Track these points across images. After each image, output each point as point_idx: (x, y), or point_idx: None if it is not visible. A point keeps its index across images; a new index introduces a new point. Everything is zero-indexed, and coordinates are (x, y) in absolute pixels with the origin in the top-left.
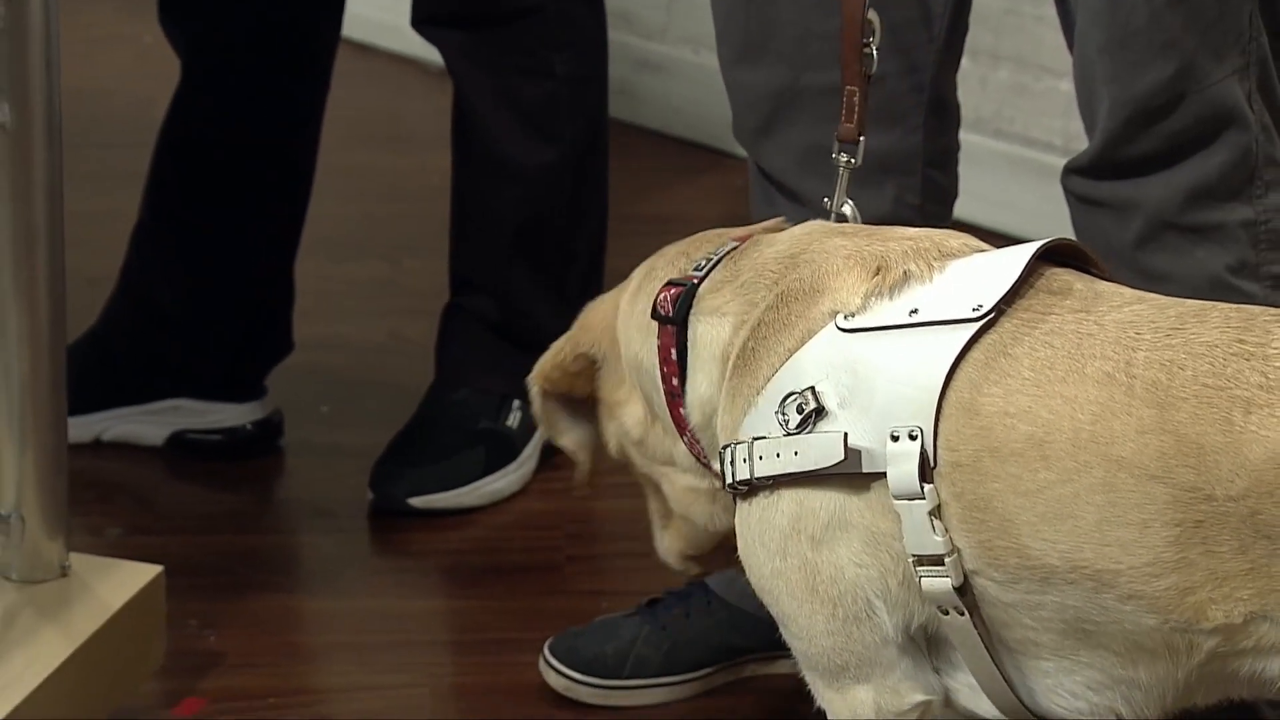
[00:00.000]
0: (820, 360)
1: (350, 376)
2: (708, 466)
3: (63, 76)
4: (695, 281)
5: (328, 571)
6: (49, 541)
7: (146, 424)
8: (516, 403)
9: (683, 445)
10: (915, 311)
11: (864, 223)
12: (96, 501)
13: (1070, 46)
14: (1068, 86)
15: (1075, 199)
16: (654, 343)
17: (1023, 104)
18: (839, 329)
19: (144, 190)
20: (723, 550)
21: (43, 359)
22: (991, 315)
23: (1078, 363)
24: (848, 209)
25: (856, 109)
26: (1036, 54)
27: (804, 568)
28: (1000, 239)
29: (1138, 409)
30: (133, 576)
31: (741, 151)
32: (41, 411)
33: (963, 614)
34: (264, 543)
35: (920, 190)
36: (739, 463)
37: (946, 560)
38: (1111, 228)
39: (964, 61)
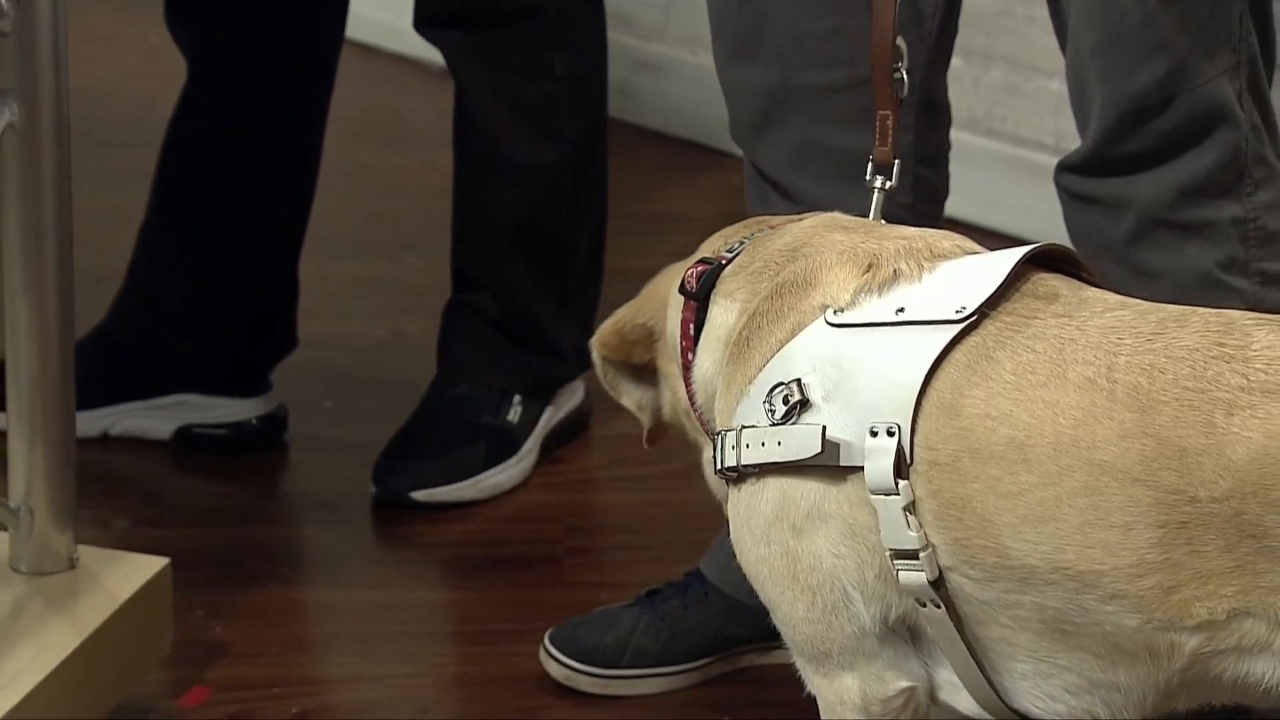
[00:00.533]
0: (808, 353)
1: (353, 372)
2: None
3: (69, 76)
4: (723, 262)
5: (331, 563)
6: (57, 534)
7: (153, 419)
8: (517, 398)
9: (694, 419)
10: (902, 310)
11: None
12: (104, 495)
13: (1062, 47)
14: (1059, 86)
15: (1068, 196)
16: (679, 317)
17: (1014, 104)
18: (828, 323)
19: (150, 189)
20: None
21: (51, 355)
22: (974, 317)
23: (1060, 367)
24: None
25: (890, 133)
26: (1028, 54)
27: (786, 555)
28: (993, 237)
29: (1120, 413)
30: (140, 568)
31: (739, 151)
32: (50, 406)
33: (939, 607)
34: (269, 535)
35: (911, 189)
36: (728, 450)
37: (921, 555)
38: (1104, 224)
39: (957, 62)
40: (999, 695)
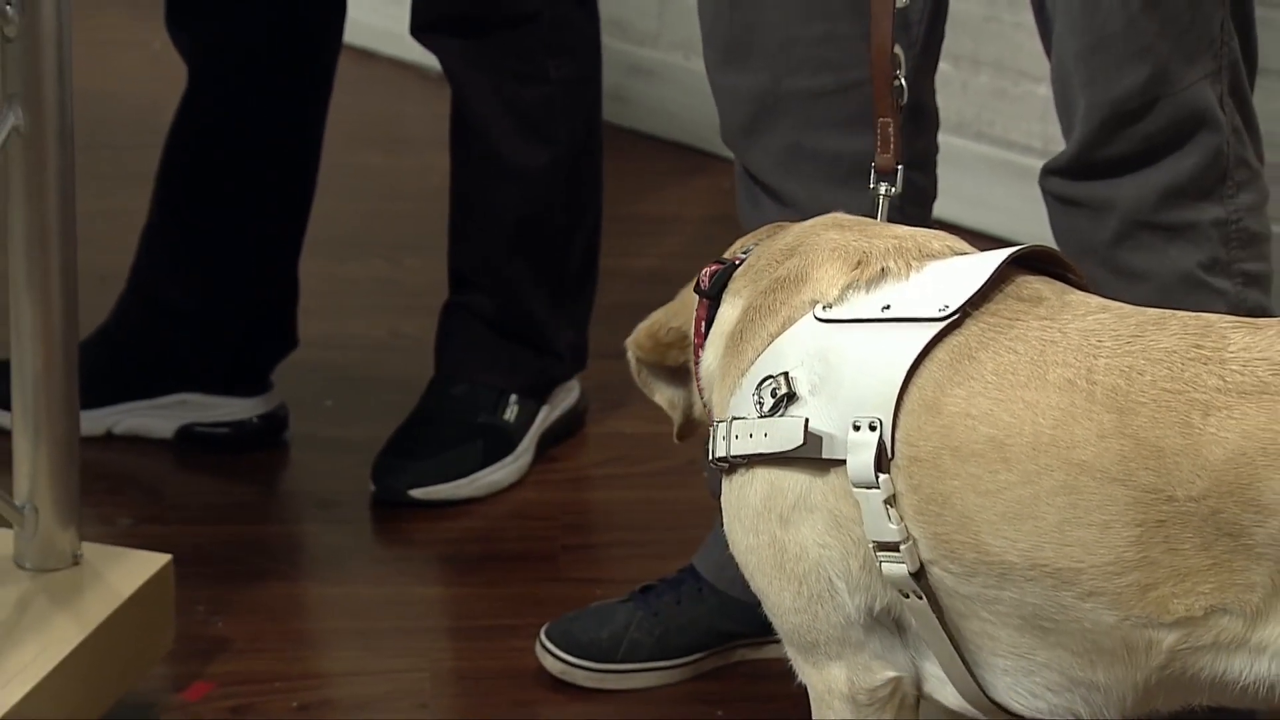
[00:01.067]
0: (797, 347)
1: (353, 372)
2: None
3: (74, 80)
4: (736, 262)
5: (331, 560)
6: (61, 531)
7: (156, 418)
8: (513, 397)
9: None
10: (888, 307)
11: None
12: (107, 492)
13: (1048, 52)
14: (1045, 91)
15: (1053, 199)
16: (694, 315)
17: (1002, 108)
18: (816, 319)
19: (153, 191)
20: None
21: (55, 355)
22: (956, 316)
23: (1040, 368)
24: None
25: (892, 140)
26: (1015, 59)
27: (773, 545)
28: (981, 238)
29: (1098, 414)
30: (142, 565)
31: (730, 154)
32: (54, 406)
33: (921, 598)
34: (269, 532)
35: (900, 192)
36: (719, 440)
37: (901, 547)
38: (1088, 227)
39: (946, 67)
40: (982, 689)
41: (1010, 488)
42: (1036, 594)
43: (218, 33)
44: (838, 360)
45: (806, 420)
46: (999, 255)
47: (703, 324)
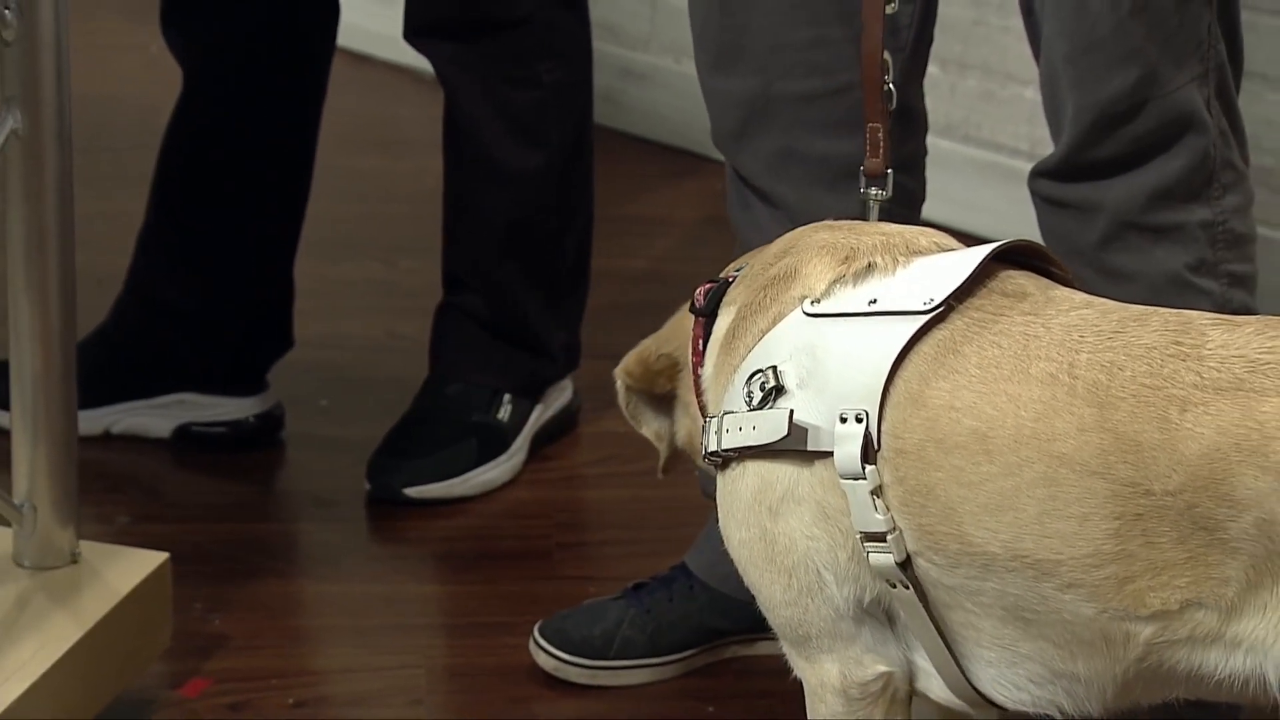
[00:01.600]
0: (785, 341)
1: (348, 372)
2: None
3: (72, 84)
4: (729, 280)
5: (327, 558)
6: (60, 530)
7: (153, 417)
8: (507, 396)
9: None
10: (874, 301)
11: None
12: (105, 491)
13: (1036, 55)
14: (1033, 94)
15: (1041, 201)
16: (690, 335)
17: (990, 111)
18: (804, 313)
19: (149, 193)
20: None
21: (53, 355)
22: (941, 309)
23: (1023, 363)
24: None
25: (881, 144)
26: (1003, 63)
27: (764, 538)
28: (969, 239)
29: (1079, 408)
30: (140, 563)
31: (721, 156)
32: (52, 405)
33: (908, 588)
34: (266, 530)
35: (889, 195)
36: (712, 435)
37: (888, 537)
38: (1076, 228)
39: (935, 70)
40: (968, 681)
41: (992, 479)
42: (1018, 585)
43: (212, 35)
44: (825, 354)
45: (791, 412)
46: (983, 250)
47: (699, 341)
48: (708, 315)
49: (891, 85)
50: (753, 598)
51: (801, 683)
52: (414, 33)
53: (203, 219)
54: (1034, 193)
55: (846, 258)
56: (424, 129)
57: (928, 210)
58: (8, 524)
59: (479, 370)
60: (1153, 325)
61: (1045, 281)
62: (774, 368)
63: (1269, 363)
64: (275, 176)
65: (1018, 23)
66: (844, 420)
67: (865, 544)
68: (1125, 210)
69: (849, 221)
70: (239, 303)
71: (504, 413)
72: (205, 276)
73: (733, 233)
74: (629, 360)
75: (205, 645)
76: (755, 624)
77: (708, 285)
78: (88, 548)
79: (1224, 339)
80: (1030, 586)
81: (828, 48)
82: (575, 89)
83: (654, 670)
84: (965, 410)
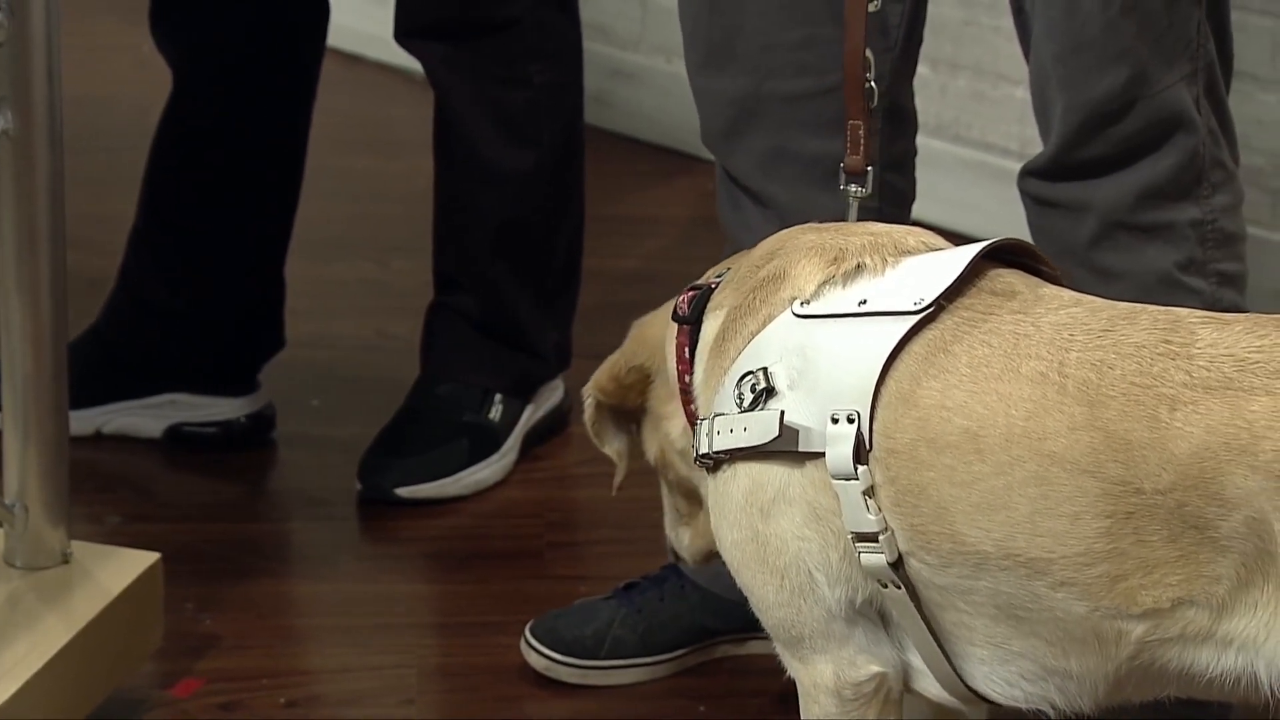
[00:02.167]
0: (775, 343)
1: (340, 372)
2: None
3: (64, 84)
4: (712, 286)
5: (318, 558)
6: (51, 530)
7: (145, 417)
8: (498, 396)
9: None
10: (864, 301)
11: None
12: (97, 491)
13: (1026, 55)
14: (1024, 94)
15: (1031, 200)
16: (673, 344)
17: (981, 110)
18: (794, 314)
19: (140, 193)
20: None
21: (45, 355)
22: (931, 309)
23: (1013, 362)
24: None
25: (862, 141)
26: (994, 63)
27: (756, 539)
28: (960, 239)
29: (1069, 406)
30: (131, 563)
31: (710, 156)
32: (44, 405)
33: (900, 588)
34: (257, 530)
35: (879, 194)
36: (703, 437)
37: (880, 538)
38: (1066, 228)
39: (925, 70)
40: (961, 679)
41: (984, 478)
42: (1010, 584)
43: (201, 36)
44: (815, 354)
45: (782, 413)
46: (972, 249)
47: (685, 349)
48: (692, 322)
49: (873, 83)
50: (744, 597)
51: (794, 683)
52: (405, 34)
53: (194, 219)
54: (1023, 192)
55: (835, 258)
56: (416, 129)
57: (918, 210)
58: None
59: (470, 370)
60: (1142, 323)
61: (1034, 280)
62: (764, 369)
63: (1258, 361)
64: (266, 176)
65: (1008, 23)
66: (835, 421)
67: (857, 544)
68: (1114, 210)
69: (835, 223)
70: (230, 303)
71: (495, 412)
72: (196, 276)
73: (723, 233)
74: (601, 377)
75: (197, 645)
76: (747, 623)
77: (690, 292)
78: (79, 548)
79: (1213, 337)
80: (1022, 585)
81: (818, 47)
82: (566, 90)
83: (645, 670)
84: (956, 409)
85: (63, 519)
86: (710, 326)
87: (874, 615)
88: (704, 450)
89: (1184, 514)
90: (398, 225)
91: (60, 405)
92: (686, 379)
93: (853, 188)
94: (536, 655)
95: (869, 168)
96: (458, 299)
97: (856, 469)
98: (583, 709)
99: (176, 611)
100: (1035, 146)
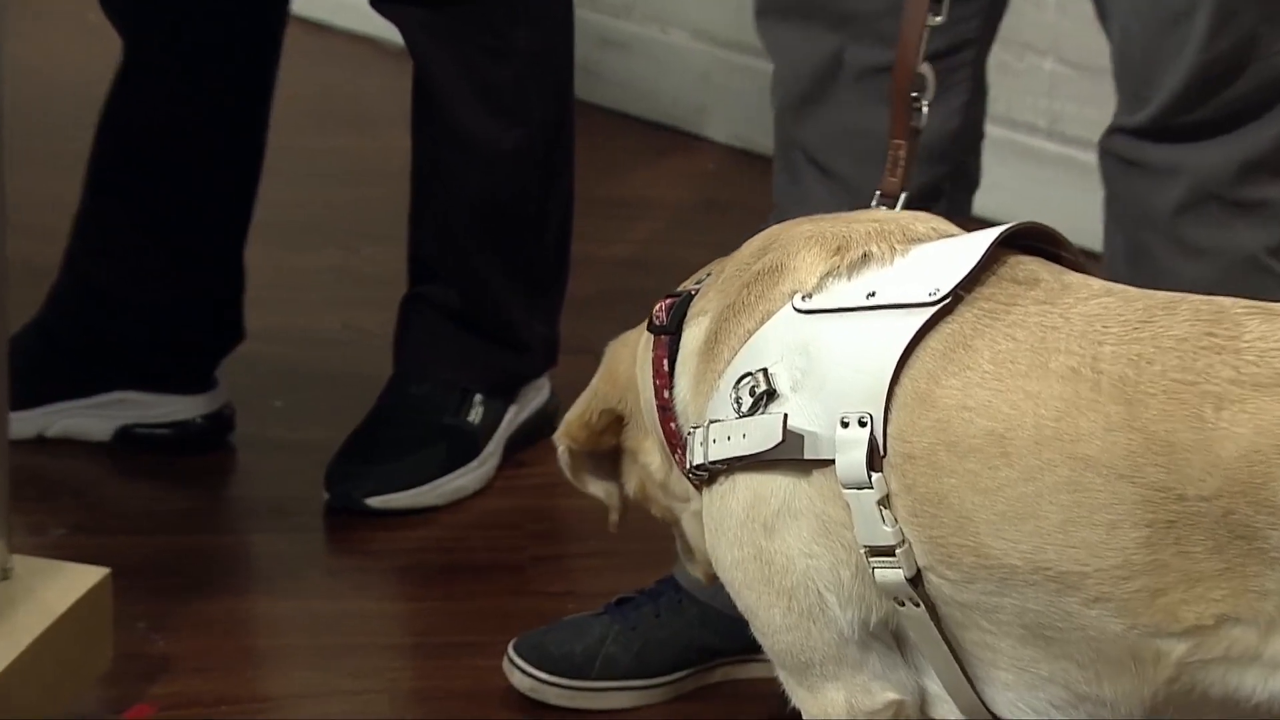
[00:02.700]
0: (775, 341)
1: (306, 369)
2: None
3: (3, 57)
4: (691, 293)
5: (281, 572)
6: None
7: (92, 418)
8: (479, 396)
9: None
10: (873, 294)
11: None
12: (39, 500)
13: (1102, 19)
14: (1052, 65)
15: (1115, 160)
16: (649, 358)
17: (1006, 83)
18: (795, 310)
19: (86, 171)
20: None
21: None
22: (948, 300)
23: (1041, 357)
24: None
25: (902, 164)
26: (1019, 31)
27: (759, 558)
28: (981, 223)
29: (1104, 405)
30: (78, 578)
31: (708, 133)
32: None
33: (918, 605)
34: (215, 542)
35: (950, 176)
36: (696, 447)
37: (897, 551)
38: (1151, 193)
39: None
40: (984, 705)
41: (1010, 485)
42: (1039, 600)
43: (155, 3)
44: (820, 353)
45: (785, 416)
46: (989, 235)
47: (664, 362)
48: (671, 332)
49: (924, 105)
50: None
51: (799, 713)
52: None
53: (145, 198)
54: (1107, 151)
55: (839, 248)
56: (390, 104)
57: None
58: None
59: (448, 367)
60: (1183, 314)
61: (1057, 267)
62: (764, 370)
63: None
64: (224, 153)
65: None
66: (845, 424)
67: (871, 559)
68: (1210, 178)
69: (834, 212)
70: (185, 291)
71: (475, 414)
72: (147, 262)
73: (727, 216)
74: (570, 425)
75: (149, 668)
76: (749, 643)
77: (668, 300)
78: (21, 562)
79: (1262, 329)
80: (1052, 602)
81: (900, 17)
82: (554, 57)
83: (640, 693)
84: (979, 410)
85: (2, 531)
86: (693, 334)
87: (889, 638)
88: (698, 461)
89: (1230, 523)
90: (370, 209)
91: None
92: (666, 394)
93: (881, 210)
94: (521, 675)
95: (903, 194)
96: (436, 289)
97: (870, 477)
98: None
99: (127, 631)
100: (1065, 122)
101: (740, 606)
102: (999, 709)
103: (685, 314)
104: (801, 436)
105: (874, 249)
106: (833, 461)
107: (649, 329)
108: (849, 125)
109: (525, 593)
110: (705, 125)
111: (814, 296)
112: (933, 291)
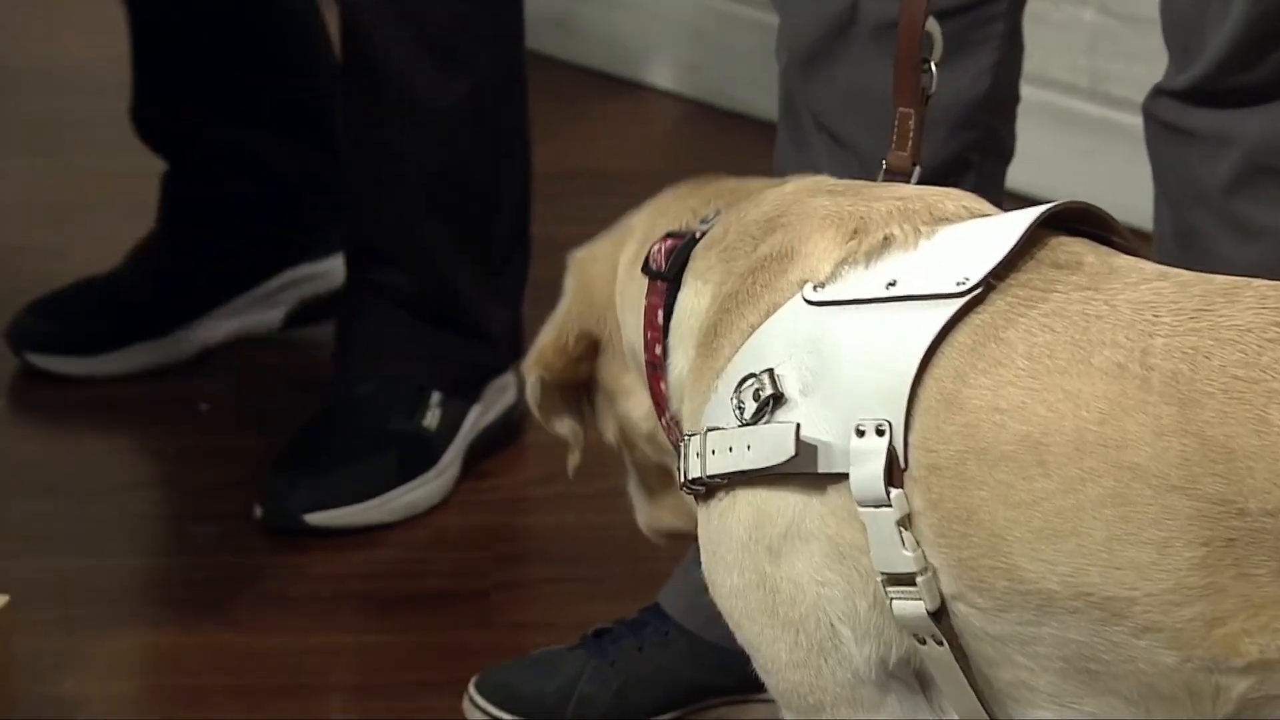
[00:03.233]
0: (783, 338)
1: (236, 369)
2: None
3: None
4: (695, 235)
5: (208, 602)
6: None
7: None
8: (436, 396)
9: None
10: (894, 284)
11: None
12: None
13: None
14: (1092, 16)
15: (1161, 127)
16: (639, 308)
17: (1040, 36)
18: (806, 301)
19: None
20: None
21: None
22: (979, 290)
23: (1083, 350)
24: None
25: (911, 135)
26: None
27: (762, 585)
28: (1013, 198)
29: (1155, 406)
30: None
31: (696, 95)
32: None
33: (941, 644)
34: (131, 566)
35: (979, 145)
36: (692, 458)
37: (919, 580)
38: (1200, 165)
39: None
40: None
41: (1048, 498)
42: (1082, 630)
43: None
44: (834, 351)
45: (798, 426)
46: (1028, 215)
47: (659, 314)
48: (670, 279)
49: (933, 67)
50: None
51: None
52: None
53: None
54: (1151, 117)
55: (856, 230)
56: None
57: None
58: None
59: (399, 361)
60: (1246, 302)
61: (1105, 249)
62: (770, 371)
63: None
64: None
65: None
66: (861, 433)
67: (888, 589)
68: (1264, 149)
69: (853, 182)
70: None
71: (432, 417)
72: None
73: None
74: (543, 351)
75: (55, 714)
76: (747, 680)
77: (670, 241)
78: None
79: None
80: (1097, 631)
81: None
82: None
83: None
84: (1013, 412)
85: None
86: (691, 300)
87: (911, 677)
88: (695, 474)
89: None
90: None
91: None
92: (657, 349)
93: None
94: (483, 716)
95: (915, 167)
96: (381, 272)
97: (888, 493)
98: None
99: (30, 670)
100: (1108, 82)
101: (741, 639)
102: None
103: (687, 261)
104: (814, 448)
105: (896, 231)
106: (846, 475)
107: (644, 271)
108: (863, 87)
109: (487, 624)
110: (696, 87)
111: (827, 286)
112: (961, 280)
